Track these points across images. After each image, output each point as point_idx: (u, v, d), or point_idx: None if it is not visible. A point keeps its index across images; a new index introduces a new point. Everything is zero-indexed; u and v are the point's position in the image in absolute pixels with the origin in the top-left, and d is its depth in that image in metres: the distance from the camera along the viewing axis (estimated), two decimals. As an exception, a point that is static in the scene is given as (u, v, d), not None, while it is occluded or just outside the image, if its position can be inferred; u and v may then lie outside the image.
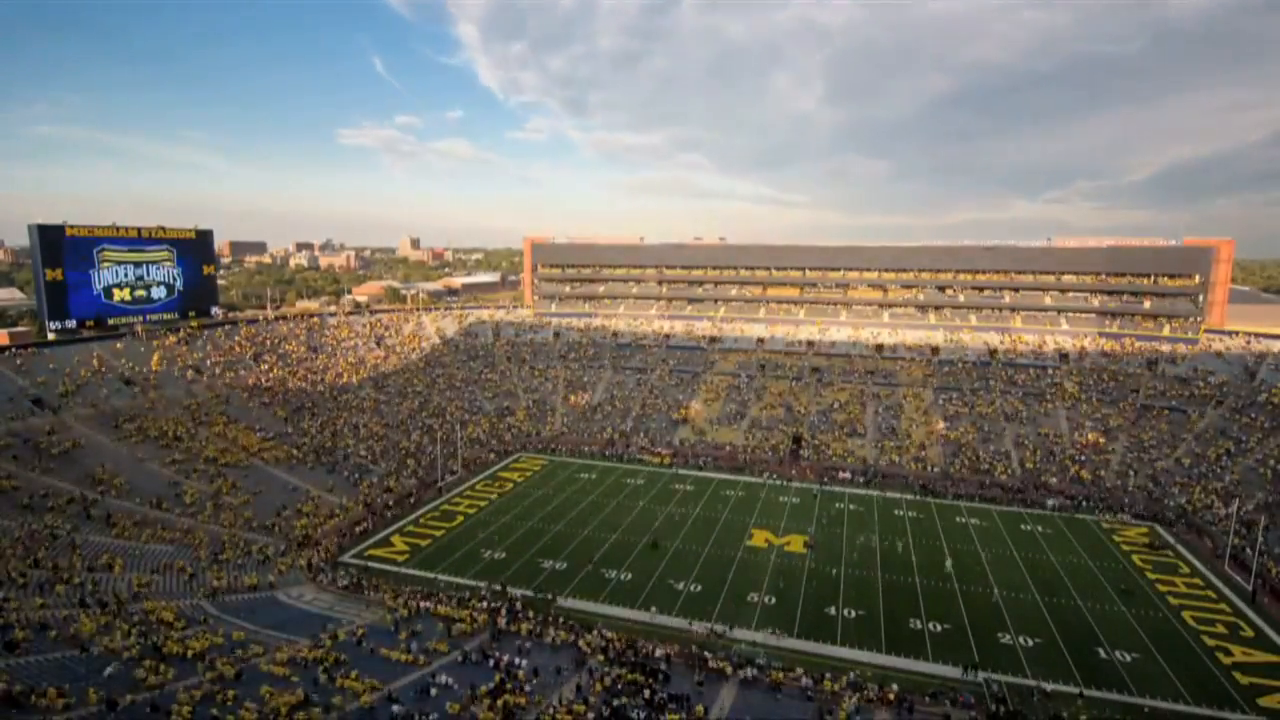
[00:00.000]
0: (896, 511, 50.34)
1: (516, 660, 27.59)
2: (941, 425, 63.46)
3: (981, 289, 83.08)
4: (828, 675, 27.73)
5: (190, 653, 25.61)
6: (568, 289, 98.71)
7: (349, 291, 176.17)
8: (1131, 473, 54.41)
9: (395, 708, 22.89)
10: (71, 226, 55.89)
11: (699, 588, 37.92)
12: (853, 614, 35.15)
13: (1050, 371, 69.85)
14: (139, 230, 61.28)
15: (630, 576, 39.31)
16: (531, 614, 33.09)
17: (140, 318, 61.57)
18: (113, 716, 20.37)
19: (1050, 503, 51.44)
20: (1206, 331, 70.73)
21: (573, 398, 74.59)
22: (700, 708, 24.41)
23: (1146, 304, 76.15)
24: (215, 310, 69.02)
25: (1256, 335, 67.49)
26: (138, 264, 61.04)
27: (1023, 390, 67.48)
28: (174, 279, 64.37)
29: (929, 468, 57.97)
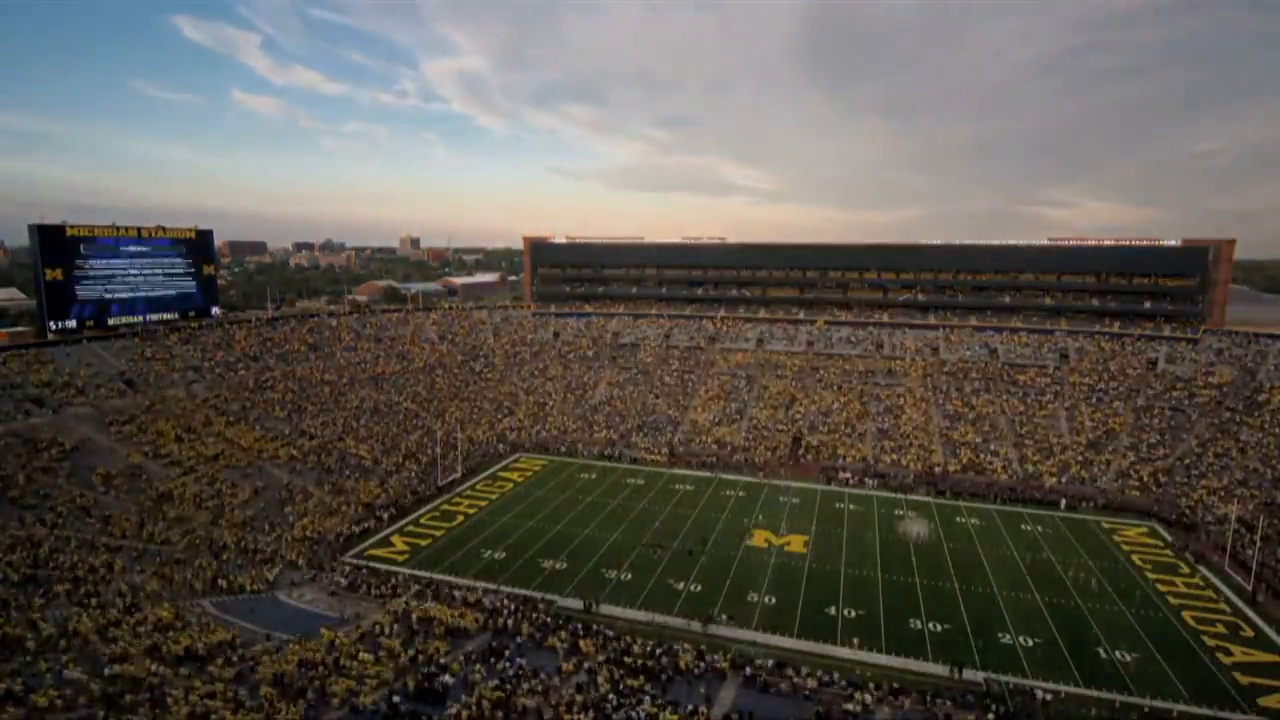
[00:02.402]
0: (897, 511, 50.34)
1: (518, 660, 27.61)
2: (941, 425, 63.48)
3: (981, 289, 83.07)
4: (829, 674, 27.77)
5: (190, 653, 25.61)
6: (567, 289, 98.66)
7: (349, 291, 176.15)
8: (1132, 473, 54.44)
9: (396, 707, 22.90)
10: (71, 226, 55.90)
11: (699, 587, 37.94)
12: (853, 614, 35.17)
13: (1050, 371, 69.86)
14: (139, 230, 61.28)
15: (630, 576, 39.33)
16: (533, 614, 33.10)
17: (140, 318, 61.56)
18: (112, 717, 20.37)
19: (1069, 505, 51.28)
20: (1206, 331, 70.74)
21: (573, 398, 74.59)
22: (701, 708, 24.41)
23: (1146, 304, 76.16)
24: (215, 310, 69.02)
25: (1256, 335, 67.50)
26: (137, 264, 61.03)
27: (1023, 390, 67.49)
28: (174, 279, 64.36)
29: (929, 468, 57.96)
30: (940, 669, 30.03)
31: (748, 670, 27.87)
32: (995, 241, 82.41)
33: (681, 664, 28.22)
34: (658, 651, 29.05)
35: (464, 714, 22.77)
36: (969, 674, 29.62)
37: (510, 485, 55.43)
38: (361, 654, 27.13)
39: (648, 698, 24.60)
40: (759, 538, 45.10)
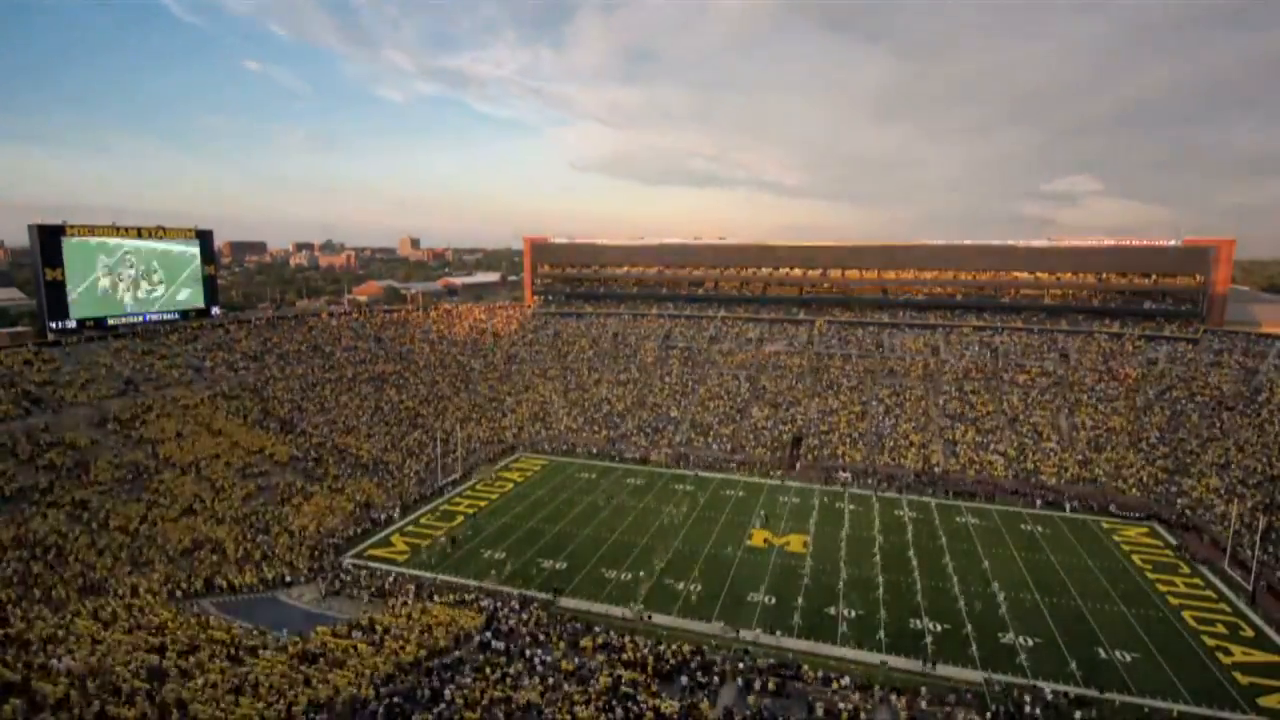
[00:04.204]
0: (896, 511, 50.34)
1: (518, 659, 27.61)
2: (941, 425, 63.48)
3: (982, 288, 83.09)
4: (830, 675, 27.79)
5: (189, 652, 25.60)
6: (568, 289, 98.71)
7: (349, 291, 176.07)
8: (1131, 473, 54.44)
9: (395, 705, 22.90)
10: (71, 226, 55.86)
11: (699, 587, 37.94)
12: (853, 614, 35.17)
13: (1050, 371, 69.85)
14: (139, 230, 61.25)
15: (630, 576, 39.33)
16: (533, 612, 33.12)
17: (140, 317, 61.55)
18: (112, 713, 20.36)
19: (1069, 505, 51.16)
20: (1206, 331, 70.74)
21: (573, 398, 74.60)
22: (703, 706, 24.43)
23: (1146, 304, 76.15)
24: (215, 310, 68.99)
25: (1256, 335, 67.49)
26: (138, 264, 61.02)
27: (1023, 390, 67.48)
28: (174, 279, 64.34)
29: (929, 468, 57.95)
30: (942, 668, 30.04)
31: (747, 670, 27.88)
32: (995, 241, 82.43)
33: (683, 663, 28.24)
34: (657, 650, 29.07)
35: (463, 713, 22.79)
36: (969, 673, 29.65)
37: (510, 485, 55.44)
38: (360, 653, 27.13)
39: (647, 696, 24.60)
40: (758, 538, 45.10)
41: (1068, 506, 51.17)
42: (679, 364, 79.21)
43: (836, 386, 71.36)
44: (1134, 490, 52.63)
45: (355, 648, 27.55)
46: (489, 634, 30.48)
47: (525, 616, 32.94)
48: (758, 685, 26.72)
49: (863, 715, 24.60)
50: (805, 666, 28.62)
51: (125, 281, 60.31)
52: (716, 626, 33.70)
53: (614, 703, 23.89)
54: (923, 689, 27.36)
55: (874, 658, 31.00)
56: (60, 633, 26.13)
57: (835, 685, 27.03)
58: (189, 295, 65.82)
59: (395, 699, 23.46)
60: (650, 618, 34.44)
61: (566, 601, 36.10)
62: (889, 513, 50.12)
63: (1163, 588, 38.35)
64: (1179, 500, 49.95)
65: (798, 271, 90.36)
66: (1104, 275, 78.60)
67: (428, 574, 39.18)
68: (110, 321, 59.26)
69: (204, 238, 66.93)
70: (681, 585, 38.18)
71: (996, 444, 60.20)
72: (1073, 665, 30.56)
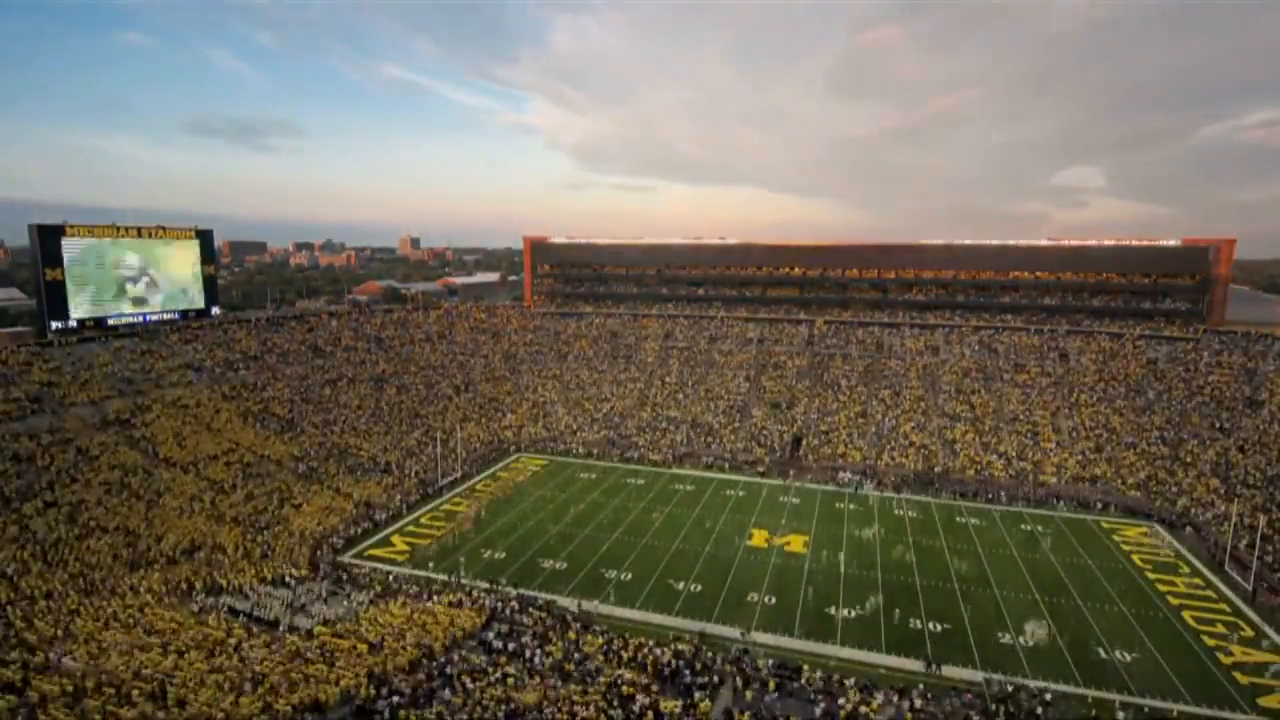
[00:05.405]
0: (897, 511, 50.35)
1: (517, 659, 27.62)
2: (941, 425, 63.48)
3: (982, 289, 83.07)
4: (831, 675, 27.79)
5: (189, 650, 25.62)
6: (567, 289, 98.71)
7: (349, 291, 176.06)
8: (1131, 473, 54.43)
9: (395, 705, 22.92)
10: (71, 226, 55.86)
11: (699, 587, 37.95)
12: (853, 614, 35.18)
13: (1050, 371, 69.86)
14: (139, 230, 61.26)
15: (630, 576, 39.35)
16: (533, 613, 33.12)
17: (140, 317, 61.55)
18: (111, 711, 20.38)
19: (1063, 503, 51.20)
20: (1206, 331, 70.75)
21: (572, 398, 74.62)
22: (704, 705, 24.44)
23: (1146, 304, 76.16)
24: (215, 310, 69.00)
25: (1257, 335, 67.50)
26: (138, 263, 61.01)
27: (1023, 390, 67.49)
28: (174, 279, 64.33)
29: (929, 468, 57.95)
30: (951, 669, 30.03)
31: (747, 670, 27.89)
32: (995, 241, 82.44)
33: (684, 663, 28.24)
34: (657, 650, 29.07)
35: (463, 712, 22.80)
36: (969, 673, 29.66)
37: (510, 485, 55.43)
38: (360, 653, 27.15)
39: (647, 696, 24.61)
40: (759, 538, 45.12)
41: (1066, 505, 51.05)
42: (679, 364, 79.21)
43: (836, 386, 71.36)
44: (1134, 490, 52.64)
45: (355, 647, 27.56)
46: (489, 634, 30.52)
47: (528, 615, 32.93)
48: (757, 685, 26.74)
49: (863, 715, 24.62)
50: (805, 666, 28.64)
51: (125, 281, 60.30)
52: (720, 627, 33.70)
53: (614, 703, 23.92)
54: (923, 688, 27.37)
55: (874, 658, 31.03)
56: (60, 633, 26.18)
57: (835, 685, 27.02)
58: (189, 295, 65.83)
59: (395, 699, 23.48)
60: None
61: (566, 602, 35.96)
62: (889, 513, 50.12)
63: (1163, 588, 38.35)
64: (1179, 500, 49.95)
65: (798, 271, 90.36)
66: (1104, 275, 78.63)
67: (428, 573, 39.18)
68: (110, 321, 59.26)
69: (204, 238, 66.95)
70: (681, 585, 38.19)
71: (996, 444, 60.21)
72: (1073, 665, 30.59)
